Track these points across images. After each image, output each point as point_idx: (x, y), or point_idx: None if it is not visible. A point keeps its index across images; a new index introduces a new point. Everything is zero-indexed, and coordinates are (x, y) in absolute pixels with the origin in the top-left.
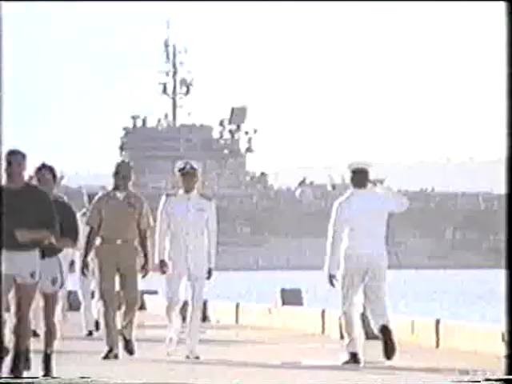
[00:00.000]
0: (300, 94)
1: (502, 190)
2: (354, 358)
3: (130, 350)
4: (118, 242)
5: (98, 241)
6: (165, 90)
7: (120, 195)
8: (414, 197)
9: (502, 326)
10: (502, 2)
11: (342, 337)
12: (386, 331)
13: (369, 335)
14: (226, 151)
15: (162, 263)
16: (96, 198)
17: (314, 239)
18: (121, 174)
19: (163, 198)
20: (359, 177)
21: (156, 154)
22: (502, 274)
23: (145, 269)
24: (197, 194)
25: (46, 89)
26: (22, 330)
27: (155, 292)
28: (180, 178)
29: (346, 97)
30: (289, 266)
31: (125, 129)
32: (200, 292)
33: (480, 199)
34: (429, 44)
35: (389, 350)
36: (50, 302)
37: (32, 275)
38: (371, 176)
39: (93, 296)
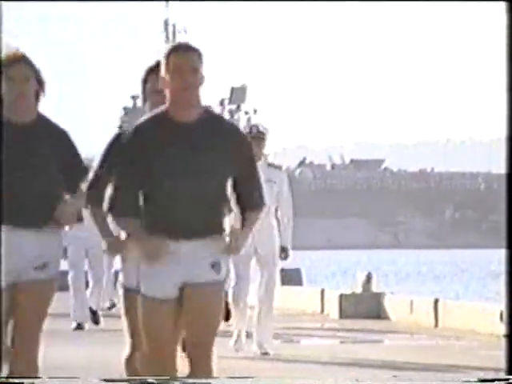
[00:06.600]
0: (300, 75)
1: (501, 169)
2: None
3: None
4: None
5: None
6: None
7: None
8: (413, 177)
9: (501, 306)
10: (502, 1)
11: (341, 316)
12: None
13: (363, 315)
14: None
15: None
16: None
17: (314, 219)
18: None
19: None
20: None
21: None
22: (501, 253)
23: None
24: (264, 163)
25: (44, 69)
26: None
27: None
28: None
29: (346, 77)
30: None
31: (124, 108)
32: (270, 278)
33: (480, 179)
34: (429, 27)
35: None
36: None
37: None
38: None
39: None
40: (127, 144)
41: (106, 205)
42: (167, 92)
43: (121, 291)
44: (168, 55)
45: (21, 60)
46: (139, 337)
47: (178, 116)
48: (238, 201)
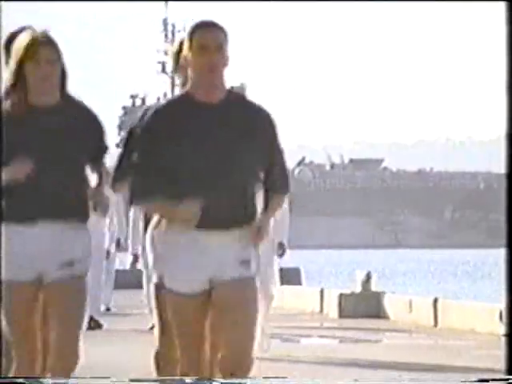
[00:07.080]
0: (299, 74)
1: (501, 169)
2: None
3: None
4: None
5: None
6: (164, 69)
7: None
8: (413, 177)
9: (500, 305)
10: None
11: (340, 315)
12: None
13: (361, 314)
14: None
15: None
16: None
17: (313, 219)
18: None
19: None
20: None
21: None
22: (500, 253)
23: None
24: None
25: None
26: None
27: None
28: None
29: (345, 76)
30: (288, 245)
31: (124, 108)
32: (268, 278)
33: (479, 179)
34: (429, 27)
35: None
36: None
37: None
38: None
39: None
40: (146, 127)
41: (128, 194)
42: (190, 72)
43: (150, 288)
44: (191, 33)
45: (46, 42)
46: (168, 335)
47: (201, 97)
48: (262, 182)
